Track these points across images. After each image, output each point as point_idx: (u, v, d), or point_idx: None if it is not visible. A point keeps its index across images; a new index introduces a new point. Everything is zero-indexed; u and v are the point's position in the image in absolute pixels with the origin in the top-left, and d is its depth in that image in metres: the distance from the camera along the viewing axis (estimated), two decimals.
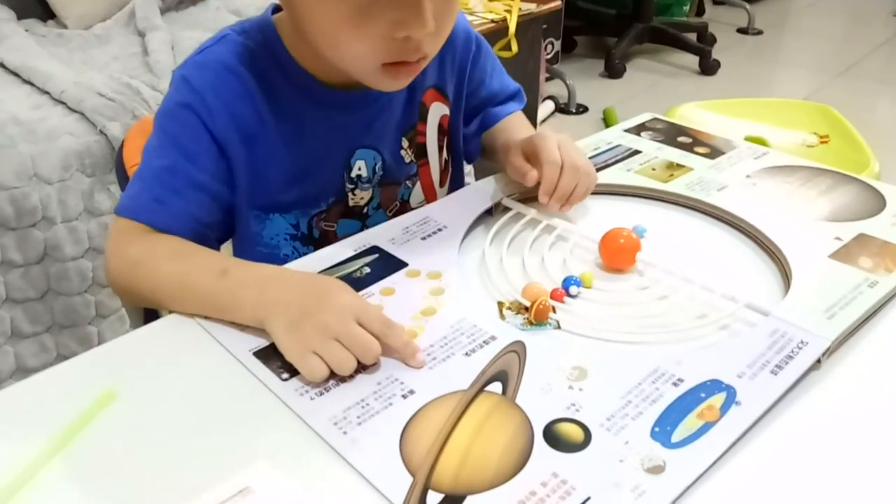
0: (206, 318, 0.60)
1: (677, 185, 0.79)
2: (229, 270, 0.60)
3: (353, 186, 0.76)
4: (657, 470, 0.46)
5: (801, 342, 0.56)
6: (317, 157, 0.73)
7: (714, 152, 0.87)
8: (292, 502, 0.43)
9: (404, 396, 0.52)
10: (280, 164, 0.71)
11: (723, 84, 2.77)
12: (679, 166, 0.84)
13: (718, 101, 1.44)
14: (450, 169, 0.85)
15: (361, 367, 0.54)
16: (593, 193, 0.75)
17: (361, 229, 0.74)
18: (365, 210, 0.77)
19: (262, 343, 0.57)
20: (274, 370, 0.55)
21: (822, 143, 1.30)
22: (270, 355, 0.56)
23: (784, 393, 0.52)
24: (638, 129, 0.94)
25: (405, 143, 0.78)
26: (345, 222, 0.76)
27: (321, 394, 0.53)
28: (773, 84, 2.86)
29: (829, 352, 0.56)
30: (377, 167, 0.76)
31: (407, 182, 0.80)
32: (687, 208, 0.77)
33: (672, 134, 0.92)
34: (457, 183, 0.88)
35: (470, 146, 0.88)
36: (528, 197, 0.79)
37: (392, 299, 0.63)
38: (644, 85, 2.77)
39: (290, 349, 0.54)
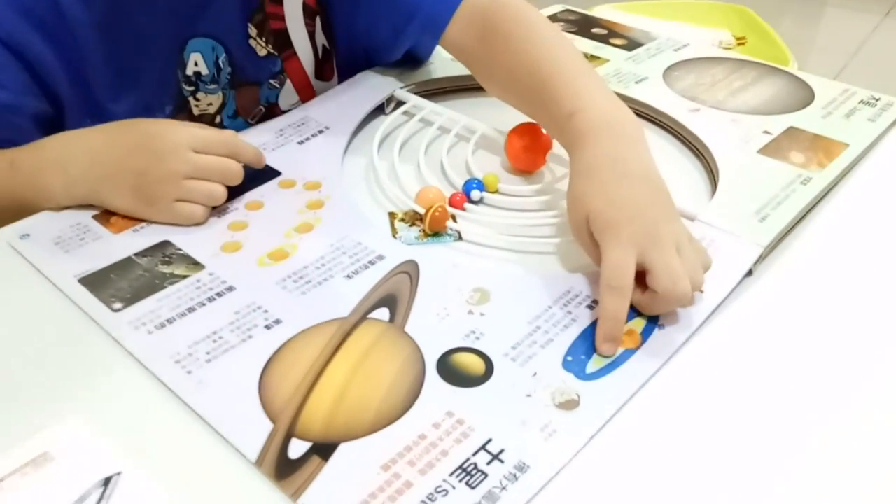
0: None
1: None
2: (16, 160, 0.53)
3: (193, 89, 0.62)
4: (570, 405, 0.39)
5: (732, 250, 0.49)
6: (141, 52, 0.59)
7: (631, 44, 0.78)
8: (104, 469, 0.33)
9: (268, 327, 0.43)
10: (99, 63, 0.57)
11: None
12: (594, 58, 0.75)
13: (632, 3, 1.36)
14: (333, 58, 0.70)
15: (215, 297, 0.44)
16: None
17: None
18: (218, 119, 0.64)
19: (92, 267, 0.46)
20: (104, 299, 0.44)
21: (739, 44, 1.24)
22: (101, 281, 0.45)
23: (711, 312, 0.45)
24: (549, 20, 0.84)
25: (253, 31, 0.63)
26: None
27: (163, 326, 0.43)
28: None
29: (762, 258, 0.49)
30: (221, 62, 0.62)
31: (271, 81, 0.66)
32: None
33: (586, 25, 0.83)
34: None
35: (391, 40, 0.67)
36: (428, 90, 0.69)
37: (259, 214, 0.53)
38: None
39: (153, 212, 0.51)
